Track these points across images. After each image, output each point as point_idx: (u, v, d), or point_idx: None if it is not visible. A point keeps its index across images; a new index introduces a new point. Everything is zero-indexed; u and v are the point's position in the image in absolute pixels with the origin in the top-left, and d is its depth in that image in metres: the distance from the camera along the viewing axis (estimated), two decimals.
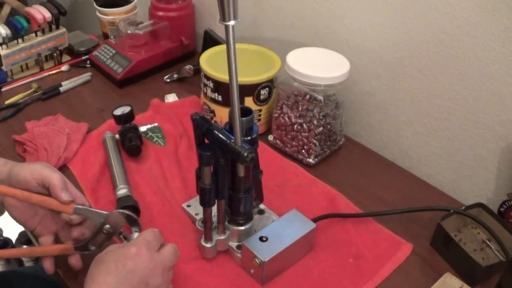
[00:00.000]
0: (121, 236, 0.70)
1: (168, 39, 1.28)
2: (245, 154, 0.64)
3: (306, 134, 0.95)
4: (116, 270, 0.58)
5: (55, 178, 0.68)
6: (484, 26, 0.81)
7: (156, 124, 1.05)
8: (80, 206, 0.69)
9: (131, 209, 0.80)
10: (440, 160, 0.97)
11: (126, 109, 0.98)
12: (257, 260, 0.71)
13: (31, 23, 1.24)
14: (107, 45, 1.27)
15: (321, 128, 0.94)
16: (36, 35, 1.25)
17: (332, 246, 0.81)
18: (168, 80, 1.25)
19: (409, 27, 0.91)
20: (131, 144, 0.96)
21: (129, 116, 0.98)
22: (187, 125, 1.05)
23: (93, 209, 0.69)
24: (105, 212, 0.69)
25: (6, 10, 1.78)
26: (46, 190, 0.68)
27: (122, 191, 0.85)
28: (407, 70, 0.95)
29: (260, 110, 1.03)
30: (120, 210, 0.69)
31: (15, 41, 1.22)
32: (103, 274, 0.58)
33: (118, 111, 0.98)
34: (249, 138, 0.68)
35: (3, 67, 1.21)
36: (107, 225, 0.68)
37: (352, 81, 1.00)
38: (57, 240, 0.74)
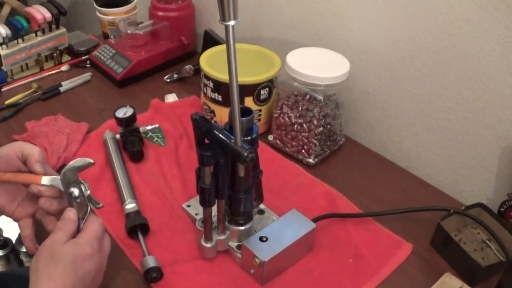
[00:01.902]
0: (91, 202, 0.69)
1: (168, 39, 1.28)
2: (245, 154, 0.64)
3: (306, 134, 0.95)
4: (74, 272, 0.60)
5: (34, 150, 0.70)
6: (484, 26, 0.81)
7: (157, 125, 1.05)
8: (48, 176, 0.69)
9: (140, 227, 0.80)
10: (440, 160, 0.97)
11: (128, 112, 0.98)
12: (257, 260, 0.71)
13: (31, 23, 1.24)
14: (107, 45, 1.27)
15: (321, 128, 0.94)
16: (36, 35, 1.25)
17: (332, 246, 0.81)
18: (168, 80, 1.25)
19: (409, 27, 0.91)
20: (134, 150, 0.96)
21: (131, 119, 0.99)
22: (187, 125, 1.05)
23: (58, 177, 0.69)
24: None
25: (6, 10, 1.78)
26: (25, 163, 0.70)
27: (130, 205, 0.84)
28: (407, 70, 0.95)
29: (260, 110, 1.03)
30: (67, 166, 0.68)
31: (15, 41, 1.22)
32: (61, 274, 0.60)
33: (120, 113, 0.98)
34: (249, 138, 0.68)
35: (3, 67, 1.21)
36: (72, 188, 0.67)
37: (352, 81, 1.00)
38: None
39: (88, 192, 0.69)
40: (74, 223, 0.66)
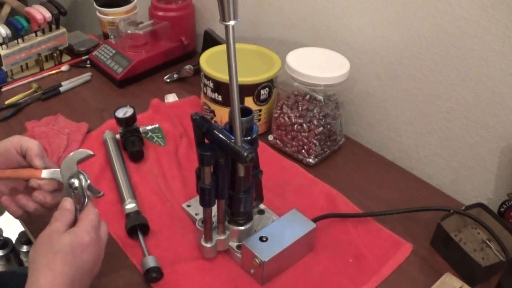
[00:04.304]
0: (91, 191, 0.68)
1: (168, 39, 1.28)
2: (245, 154, 0.64)
3: (306, 134, 0.95)
4: (74, 261, 0.60)
5: (32, 144, 0.71)
6: (484, 26, 0.81)
7: (157, 125, 1.05)
8: (48, 170, 0.69)
9: (140, 227, 0.80)
10: (440, 160, 0.97)
11: (128, 112, 0.98)
12: (257, 260, 0.71)
13: (31, 23, 1.24)
14: (107, 45, 1.27)
15: (321, 128, 0.94)
16: (36, 35, 1.25)
17: (332, 246, 0.81)
18: (168, 80, 1.25)
19: (409, 27, 0.91)
20: (134, 149, 0.96)
21: (131, 119, 0.99)
22: (187, 125, 1.05)
23: (58, 169, 0.69)
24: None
25: (6, 10, 1.78)
26: (24, 157, 0.71)
27: (130, 205, 0.84)
28: (407, 70, 0.95)
29: (260, 110, 1.03)
30: (67, 157, 0.69)
31: (15, 41, 1.22)
32: (60, 264, 0.59)
33: (120, 113, 0.98)
34: (249, 138, 0.68)
35: (3, 67, 1.21)
36: (72, 179, 0.67)
37: (352, 81, 1.00)
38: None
39: (88, 181, 0.68)
40: (71, 213, 0.66)
